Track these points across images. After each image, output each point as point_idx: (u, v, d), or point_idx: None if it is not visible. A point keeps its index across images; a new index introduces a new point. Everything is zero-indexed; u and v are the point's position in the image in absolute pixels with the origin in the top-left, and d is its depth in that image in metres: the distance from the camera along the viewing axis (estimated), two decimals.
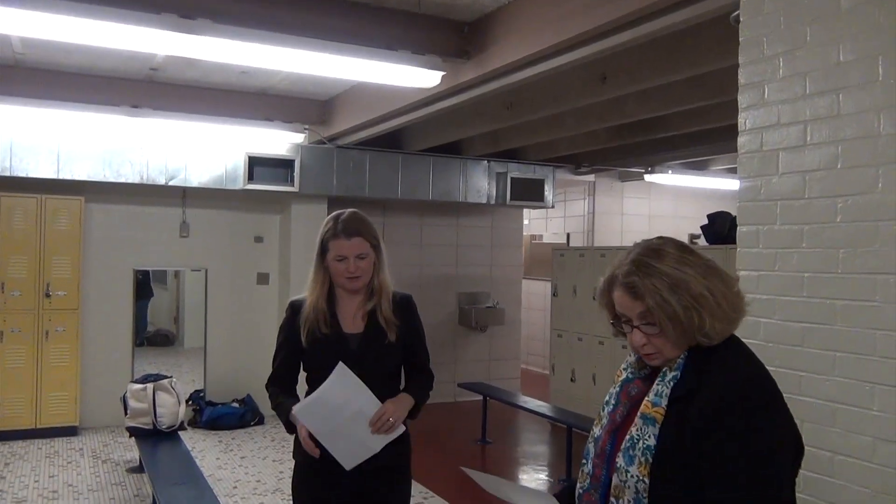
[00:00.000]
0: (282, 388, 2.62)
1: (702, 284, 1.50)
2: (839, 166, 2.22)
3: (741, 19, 2.57)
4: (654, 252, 1.56)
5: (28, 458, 6.17)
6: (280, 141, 7.11)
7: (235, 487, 5.57)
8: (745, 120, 2.54)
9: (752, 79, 2.52)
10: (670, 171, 8.87)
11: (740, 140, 2.55)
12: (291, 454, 2.66)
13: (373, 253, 2.55)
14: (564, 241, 10.56)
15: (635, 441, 1.52)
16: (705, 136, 6.73)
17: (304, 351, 2.55)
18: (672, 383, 1.52)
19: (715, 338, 1.51)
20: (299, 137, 7.08)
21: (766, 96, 2.46)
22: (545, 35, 3.95)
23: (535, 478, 6.19)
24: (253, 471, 6.00)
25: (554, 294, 7.84)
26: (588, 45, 3.85)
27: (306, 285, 2.61)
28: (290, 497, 2.66)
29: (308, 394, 2.53)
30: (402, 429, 2.49)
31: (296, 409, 2.44)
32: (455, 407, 8.50)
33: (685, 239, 7.79)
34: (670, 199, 10.29)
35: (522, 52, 4.14)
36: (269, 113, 6.75)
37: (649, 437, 1.49)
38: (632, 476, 1.50)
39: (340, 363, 2.38)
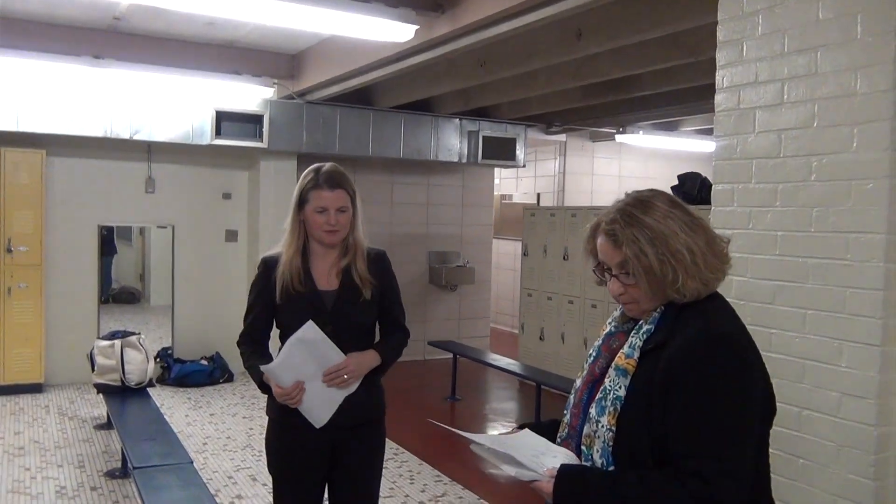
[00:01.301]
0: (254, 347, 2.59)
1: (682, 241, 1.51)
2: (815, 125, 2.22)
3: None
4: (642, 203, 1.56)
5: None
6: (248, 95, 6.95)
7: (205, 444, 5.56)
8: (722, 77, 2.53)
9: (730, 35, 2.51)
10: (641, 132, 8.89)
11: (717, 98, 2.55)
12: (265, 411, 2.65)
13: (351, 208, 2.52)
14: (535, 200, 10.58)
15: (607, 392, 1.54)
16: (677, 96, 6.74)
17: (277, 308, 2.52)
18: (645, 336, 1.54)
19: (687, 295, 1.51)
20: (268, 92, 6.94)
21: (744, 53, 2.45)
22: None
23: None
24: (223, 427, 5.99)
25: (524, 254, 7.87)
26: None
27: (281, 241, 2.57)
28: (261, 453, 2.66)
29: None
30: (356, 384, 2.47)
31: (265, 369, 2.42)
32: (425, 365, 8.55)
33: None
34: (641, 160, 10.32)
35: (498, 6, 4.08)
36: (237, 66, 6.59)
37: (620, 388, 1.52)
38: (602, 426, 1.52)
39: (310, 321, 2.36)
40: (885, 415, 2.05)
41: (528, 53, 5.29)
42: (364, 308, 2.52)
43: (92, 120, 6.54)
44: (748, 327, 2.33)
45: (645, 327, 1.56)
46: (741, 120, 2.46)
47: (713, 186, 2.56)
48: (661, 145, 9.29)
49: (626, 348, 1.56)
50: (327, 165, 2.53)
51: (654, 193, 1.60)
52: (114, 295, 8.60)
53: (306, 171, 2.53)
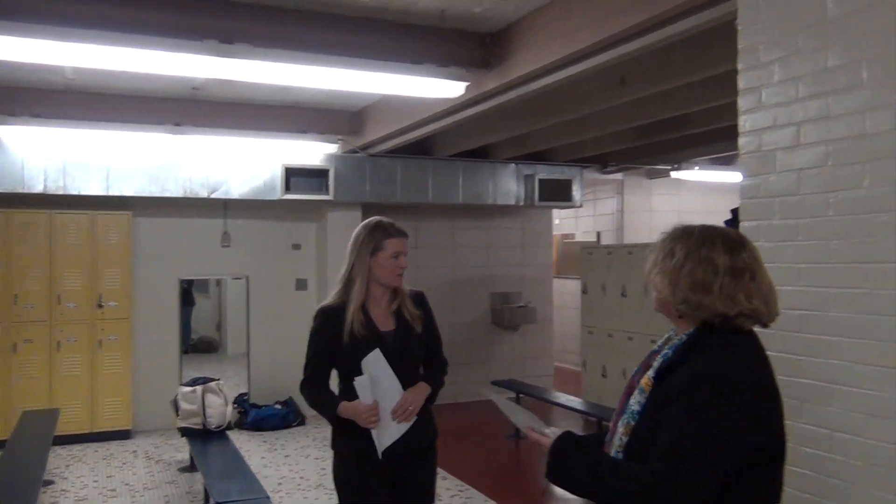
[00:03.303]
0: (320, 388, 2.84)
1: (686, 268, 1.70)
2: (830, 164, 2.39)
3: (739, 28, 2.75)
4: (689, 229, 1.76)
5: (86, 459, 6.53)
6: (315, 151, 7.40)
7: (280, 484, 5.85)
8: (745, 122, 2.72)
9: (750, 84, 2.70)
10: (697, 168, 8.98)
11: (741, 141, 2.73)
12: (330, 445, 2.89)
13: None
14: (595, 239, 10.71)
15: (628, 406, 1.76)
16: (729, 132, 6.83)
17: (343, 353, 2.75)
18: (662, 360, 1.75)
19: (682, 316, 1.74)
20: (333, 147, 7.36)
21: (763, 100, 2.64)
22: (563, 44, 4.15)
23: None
24: (296, 468, 6.27)
25: (584, 292, 8.01)
26: (604, 52, 4.04)
27: (335, 290, 2.83)
28: (333, 491, 2.90)
29: (340, 393, 2.80)
30: (414, 417, 2.74)
31: (358, 381, 2.67)
32: (489, 404, 8.67)
33: None
34: (699, 195, 10.37)
35: (542, 60, 4.35)
36: (304, 125, 7.05)
37: (636, 404, 1.74)
38: (618, 435, 1.75)
39: (377, 349, 2.65)
40: None
41: (575, 101, 5.53)
42: (418, 343, 2.83)
43: (173, 182, 7.07)
44: (779, 355, 2.49)
45: (664, 351, 1.77)
46: (763, 161, 2.63)
47: (740, 224, 2.73)
48: (718, 179, 9.35)
49: (651, 371, 1.76)
50: (386, 219, 2.85)
51: (700, 227, 1.77)
52: (193, 344, 9.08)
53: (369, 225, 2.82)
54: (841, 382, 2.33)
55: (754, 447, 1.61)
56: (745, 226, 2.73)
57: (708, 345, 1.69)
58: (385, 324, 2.80)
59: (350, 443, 2.76)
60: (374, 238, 2.78)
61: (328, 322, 2.79)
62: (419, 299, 2.90)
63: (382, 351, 2.70)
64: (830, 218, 2.39)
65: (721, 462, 1.57)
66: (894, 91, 2.19)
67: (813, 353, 2.42)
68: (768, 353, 2.45)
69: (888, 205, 2.21)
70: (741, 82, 2.75)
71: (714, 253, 1.68)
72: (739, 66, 2.75)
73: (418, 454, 2.81)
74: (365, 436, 2.70)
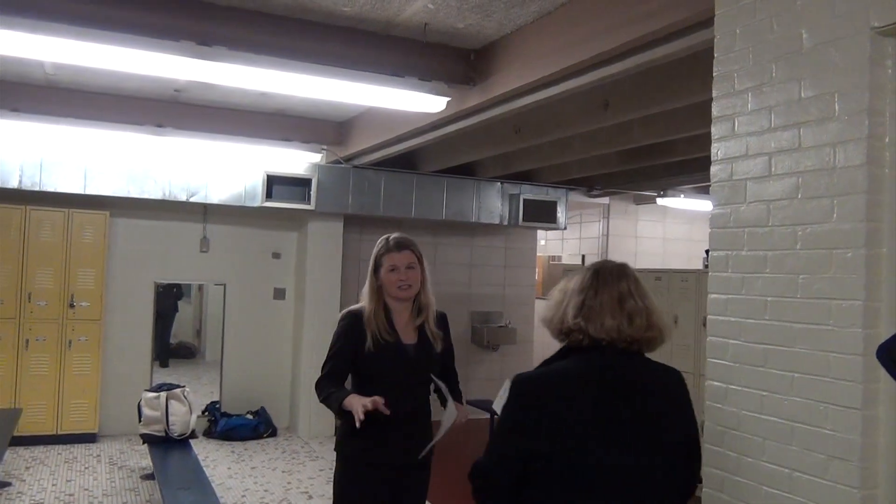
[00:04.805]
0: (335, 385, 2.82)
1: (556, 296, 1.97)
2: (799, 196, 2.34)
3: (715, 55, 2.70)
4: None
5: (48, 462, 6.39)
6: (298, 160, 7.33)
7: (244, 496, 5.73)
8: (717, 150, 2.67)
9: (724, 111, 2.65)
10: (682, 196, 8.96)
11: (713, 169, 2.68)
12: (335, 448, 2.94)
13: (419, 267, 2.87)
14: (580, 262, 10.65)
15: None
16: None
17: (364, 356, 2.79)
18: None
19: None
20: (316, 157, 7.30)
21: (736, 128, 2.59)
22: (546, 63, 4.11)
23: None
24: (262, 481, 6.16)
25: None
26: (587, 73, 4.01)
27: (362, 298, 2.90)
28: None
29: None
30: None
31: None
32: (464, 424, 8.59)
33: (699, 261, 7.87)
34: (684, 223, 10.35)
35: (525, 79, 4.31)
36: (288, 133, 6.98)
37: None
38: None
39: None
40: (868, 478, 2.10)
41: (558, 122, 5.50)
42: (436, 359, 2.90)
43: (152, 183, 6.98)
44: (742, 389, 2.43)
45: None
46: (734, 190, 2.58)
47: (710, 253, 2.67)
48: (702, 208, 9.32)
49: None
50: (395, 234, 2.90)
51: (595, 264, 1.99)
52: (172, 349, 8.97)
53: (378, 241, 2.89)
54: (802, 421, 2.27)
55: (530, 451, 1.77)
56: (713, 255, 2.67)
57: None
58: (407, 336, 2.87)
59: (358, 447, 2.81)
60: (375, 255, 2.87)
61: (355, 325, 2.83)
62: (443, 320, 2.99)
63: (403, 361, 2.80)
64: (798, 252, 2.33)
65: (505, 457, 1.82)
66: (866, 125, 2.15)
67: (776, 389, 2.36)
68: (730, 386, 2.40)
69: (856, 241, 2.16)
70: (715, 110, 2.70)
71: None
72: (714, 94, 2.70)
73: (417, 466, 2.89)
74: (373, 442, 2.76)
